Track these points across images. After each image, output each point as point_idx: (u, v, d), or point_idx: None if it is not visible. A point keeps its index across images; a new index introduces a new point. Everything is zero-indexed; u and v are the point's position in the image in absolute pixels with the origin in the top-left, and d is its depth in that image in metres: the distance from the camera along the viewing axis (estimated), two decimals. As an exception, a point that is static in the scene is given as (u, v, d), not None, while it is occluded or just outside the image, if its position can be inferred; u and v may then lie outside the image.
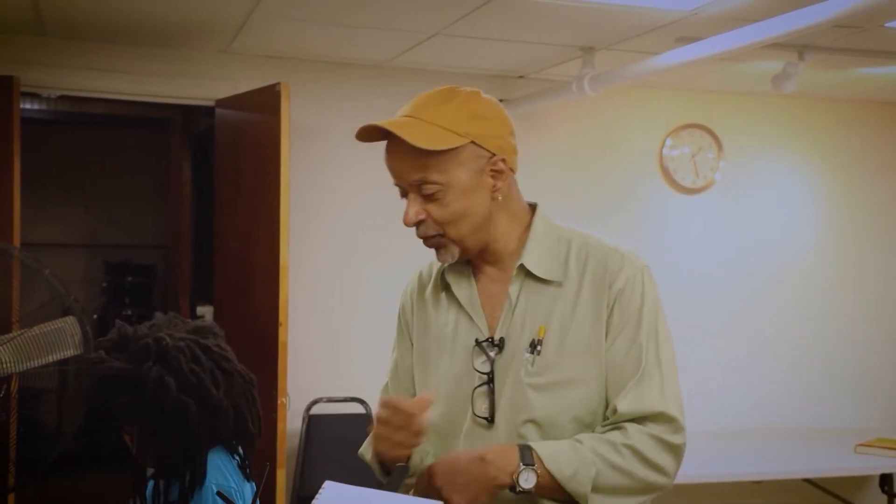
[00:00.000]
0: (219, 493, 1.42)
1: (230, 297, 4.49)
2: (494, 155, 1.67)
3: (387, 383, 1.91)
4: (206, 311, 5.29)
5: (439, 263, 1.81)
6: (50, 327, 3.02)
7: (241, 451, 1.97)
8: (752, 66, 4.53)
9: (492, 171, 1.67)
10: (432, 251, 1.76)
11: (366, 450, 1.77)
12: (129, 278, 7.55)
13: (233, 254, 4.51)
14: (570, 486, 1.57)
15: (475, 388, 1.69)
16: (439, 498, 1.54)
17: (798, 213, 5.48)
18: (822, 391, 5.43)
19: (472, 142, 1.65)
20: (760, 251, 5.39)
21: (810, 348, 5.43)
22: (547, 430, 1.65)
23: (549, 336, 1.67)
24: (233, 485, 1.88)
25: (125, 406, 1.87)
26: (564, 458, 1.58)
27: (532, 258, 1.71)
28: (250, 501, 1.95)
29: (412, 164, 1.64)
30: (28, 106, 5.70)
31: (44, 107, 6.28)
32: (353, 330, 4.70)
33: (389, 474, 1.64)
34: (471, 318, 1.73)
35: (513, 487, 1.56)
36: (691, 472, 4.40)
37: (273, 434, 3.91)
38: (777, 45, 3.70)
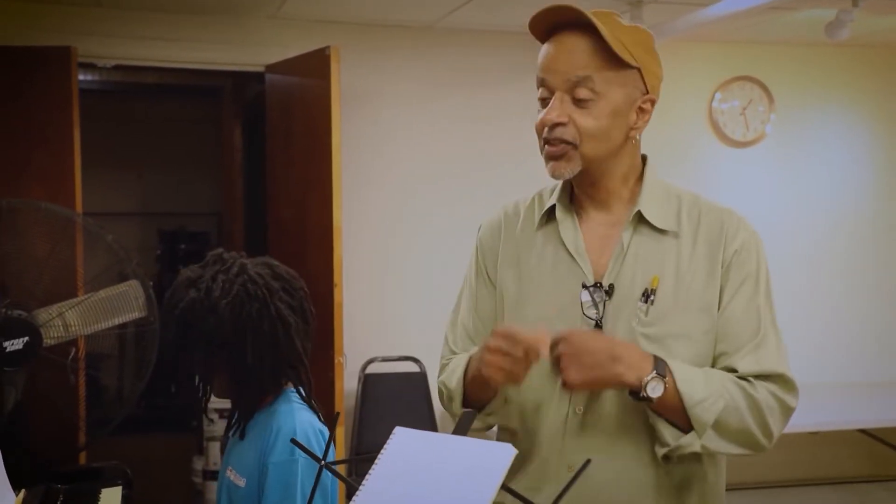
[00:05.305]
0: (292, 441, 1.47)
1: (285, 260, 4.54)
2: (648, 93, 1.65)
3: (457, 323, 1.81)
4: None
5: (528, 201, 1.77)
6: (115, 291, 3.11)
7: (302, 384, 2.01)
8: (803, 14, 4.46)
9: (640, 107, 1.65)
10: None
11: (449, 377, 1.72)
12: (183, 245, 7.65)
13: (286, 218, 4.58)
14: (695, 412, 1.52)
15: None
16: (556, 365, 1.52)
17: (851, 164, 5.41)
18: (873, 344, 5.38)
19: (639, 70, 1.62)
20: (812, 204, 5.34)
21: (862, 302, 5.38)
22: None
23: (662, 287, 1.62)
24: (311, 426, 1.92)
25: (190, 301, 1.90)
26: (698, 382, 1.53)
27: (648, 206, 1.67)
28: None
29: (582, 61, 1.58)
30: (82, 76, 5.78)
31: (98, 77, 6.37)
32: (405, 290, 4.76)
33: (469, 406, 1.61)
34: (573, 261, 1.67)
35: (635, 392, 1.52)
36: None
37: (331, 392, 3.99)
38: (830, -7, 3.66)
